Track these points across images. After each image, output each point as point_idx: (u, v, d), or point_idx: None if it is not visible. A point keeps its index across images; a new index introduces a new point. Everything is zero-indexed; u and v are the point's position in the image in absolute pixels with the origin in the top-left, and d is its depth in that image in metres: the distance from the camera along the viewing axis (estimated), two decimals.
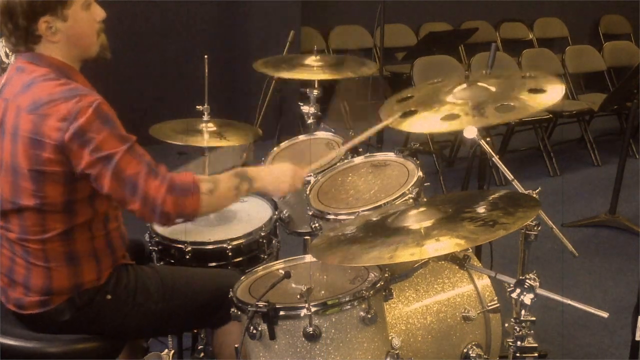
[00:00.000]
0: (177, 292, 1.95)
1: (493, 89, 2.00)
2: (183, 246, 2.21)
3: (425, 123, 1.96)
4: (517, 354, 1.75)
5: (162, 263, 2.26)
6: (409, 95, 2.14)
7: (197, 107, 2.61)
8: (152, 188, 1.70)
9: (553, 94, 1.91)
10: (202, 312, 1.98)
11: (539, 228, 1.78)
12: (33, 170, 1.71)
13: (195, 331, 2.41)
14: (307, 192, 2.26)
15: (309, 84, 2.91)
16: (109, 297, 1.86)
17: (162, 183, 1.71)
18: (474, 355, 2.02)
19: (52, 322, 1.83)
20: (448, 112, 1.93)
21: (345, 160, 2.39)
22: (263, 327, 1.65)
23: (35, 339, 1.81)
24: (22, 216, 1.77)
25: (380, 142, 3.83)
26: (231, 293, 1.78)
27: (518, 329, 1.73)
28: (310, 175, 2.32)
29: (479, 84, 2.03)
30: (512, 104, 1.89)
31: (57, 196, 1.74)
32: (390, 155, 2.32)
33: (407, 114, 1.99)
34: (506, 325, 1.78)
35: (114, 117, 1.72)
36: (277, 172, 1.95)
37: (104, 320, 1.87)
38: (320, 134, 2.69)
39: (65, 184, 1.73)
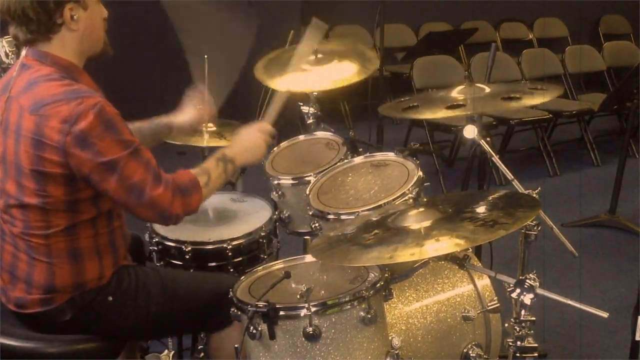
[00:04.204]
0: (178, 295, 1.95)
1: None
2: (183, 246, 2.21)
3: None
4: (517, 354, 1.75)
5: (162, 263, 2.26)
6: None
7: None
8: (158, 195, 1.75)
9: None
10: (202, 316, 1.98)
11: (539, 228, 1.78)
12: (34, 170, 1.72)
13: None
14: (307, 192, 2.26)
15: None
16: (110, 298, 1.86)
17: (166, 188, 1.77)
18: (474, 355, 2.02)
19: (53, 322, 1.83)
20: None
21: (346, 160, 2.40)
22: (263, 327, 1.65)
23: (35, 339, 1.80)
24: (25, 212, 1.78)
25: (380, 142, 3.83)
26: (231, 293, 1.78)
27: (518, 329, 1.73)
28: (310, 176, 2.33)
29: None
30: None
31: (60, 195, 1.74)
32: (390, 155, 2.31)
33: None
34: (506, 325, 1.78)
35: (117, 119, 1.72)
36: (249, 142, 2.06)
37: (104, 321, 1.87)
38: (320, 134, 2.69)
39: (66, 184, 1.73)
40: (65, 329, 1.83)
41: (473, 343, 2.03)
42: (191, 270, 2.20)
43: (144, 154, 1.76)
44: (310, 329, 1.62)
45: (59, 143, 1.67)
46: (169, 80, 5.40)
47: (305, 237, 2.52)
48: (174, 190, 1.79)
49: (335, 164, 2.39)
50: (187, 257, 2.21)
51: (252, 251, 2.30)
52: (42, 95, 1.71)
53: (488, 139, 2.14)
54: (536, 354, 1.75)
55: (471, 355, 2.02)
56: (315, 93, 2.80)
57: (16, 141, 1.74)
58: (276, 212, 2.43)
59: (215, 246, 2.23)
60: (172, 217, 1.81)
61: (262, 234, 2.32)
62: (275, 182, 2.44)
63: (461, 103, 2.14)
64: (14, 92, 1.78)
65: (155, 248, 2.27)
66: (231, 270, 2.24)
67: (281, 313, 1.64)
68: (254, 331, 1.66)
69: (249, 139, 2.06)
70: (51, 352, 1.78)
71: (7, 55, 2.65)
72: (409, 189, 2.05)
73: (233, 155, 1.98)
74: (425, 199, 1.94)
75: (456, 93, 2.25)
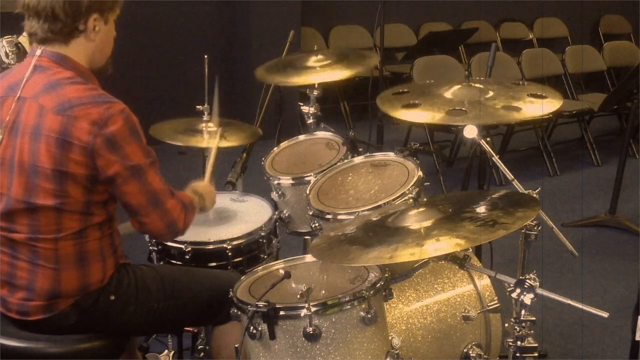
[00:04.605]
0: (178, 291, 1.96)
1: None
2: (183, 246, 2.21)
3: None
4: (517, 354, 1.75)
5: (161, 263, 2.26)
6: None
7: (197, 107, 2.61)
8: (172, 206, 1.84)
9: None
10: (203, 311, 1.99)
11: (539, 228, 1.78)
12: (57, 170, 1.71)
13: (195, 331, 2.41)
14: (307, 192, 2.26)
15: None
16: (112, 297, 1.86)
17: (177, 201, 1.86)
18: (474, 355, 2.02)
19: (57, 326, 1.82)
20: None
21: (346, 161, 2.40)
22: (263, 327, 1.65)
23: (38, 340, 1.79)
24: (34, 215, 1.75)
25: (380, 142, 3.83)
26: (231, 293, 1.78)
27: (518, 329, 1.74)
28: (310, 176, 2.33)
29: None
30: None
31: (78, 196, 1.74)
32: (390, 155, 2.32)
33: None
34: (506, 325, 1.78)
35: (139, 127, 1.77)
36: (208, 190, 2.12)
37: (108, 321, 1.87)
38: (320, 134, 2.69)
39: (86, 185, 1.74)
40: (69, 331, 1.82)
41: (473, 343, 2.04)
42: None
43: (158, 167, 1.82)
44: (311, 329, 1.62)
45: (87, 144, 1.69)
46: (168, 81, 5.42)
47: (305, 237, 2.52)
48: (183, 206, 1.87)
49: (335, 164, 2.39)
50: (187, 257, 2.21)
51: (252, 251, 2.30)
52: (68, 96, 1.72)
53: (488, 139, 2.14)
54: (536, 354, 1.75)
55: (471, 355, 2.02)
56: (315, 93, 2.80)
57: (33, 141, 1.72)
58: (276, 212, 2.43)
59: (215, 246, 2.23)
60: (176, 231, 1.88)
61: (262, 234, 2.32)
62: (275, 182, 2.44)
63: (460, 108, 2.12)
64: (27, 93, 1.76)
65: (155, 248, 2.27)
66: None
67: (281, 313, 1.64)
68: (254, 331, 1.66)
69: (207, 189, 2.12)
70: (54, 352, 1.77)
71: (7, 55, 2.65)
72: (409, 189, 2.05)
73: (202, 193, 2.06)
74: (425, 199, 1.94)
75: (455, 92, 2.25)
